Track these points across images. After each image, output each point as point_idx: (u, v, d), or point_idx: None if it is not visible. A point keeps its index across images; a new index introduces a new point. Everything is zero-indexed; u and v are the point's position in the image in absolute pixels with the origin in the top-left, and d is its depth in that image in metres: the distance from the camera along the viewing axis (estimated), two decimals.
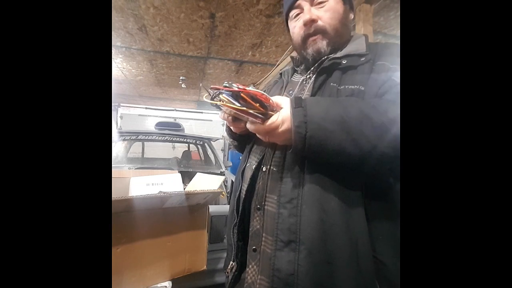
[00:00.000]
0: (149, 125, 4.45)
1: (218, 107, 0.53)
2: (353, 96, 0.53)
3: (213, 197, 0.98)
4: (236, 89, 0.46)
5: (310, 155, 0.50)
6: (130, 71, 3.83)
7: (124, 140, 2.72)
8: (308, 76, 0.63)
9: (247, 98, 0.46)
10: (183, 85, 4.21)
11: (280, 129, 0.49)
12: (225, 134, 4.57)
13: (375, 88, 0.52)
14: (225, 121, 0.65)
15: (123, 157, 2.70)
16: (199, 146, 3.15)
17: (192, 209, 0.95)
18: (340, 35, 0.61)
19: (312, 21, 0.60)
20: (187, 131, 3.35)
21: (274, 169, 0.57)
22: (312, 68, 0.63)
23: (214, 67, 3.52)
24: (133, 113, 4.76)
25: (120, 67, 3.66)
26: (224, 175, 2.35)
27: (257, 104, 0.47)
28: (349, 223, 0.48)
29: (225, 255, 0.73)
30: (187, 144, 3.24)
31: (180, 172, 1.47)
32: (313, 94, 0.57)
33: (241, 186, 0.64)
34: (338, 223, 0.48)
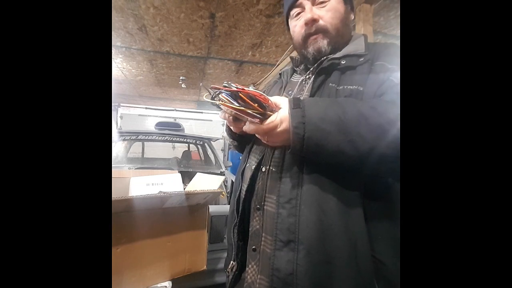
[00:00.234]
0: (149, 125, 4.46)
1: (218, 106, 0.54)
2: (351, 96, 0.53)
3: (213, 197, 0.98)
4: (235, 89, 0.46)
5: (309, 156, 0.50)
6: (130, 71, 3.83)
7: (124, 140, 2.72)
8: (307, 77, 0.64)
9: (245, 98, 0.46)
10: (183, 85, 4.21)
11: (279, 129, 0.49)
12: (225, 134, 4.57)
13: (374, 89, 0.52)
14: (225, 121, 0.65)
15: (123, 157, 2.70)
16: (199, 146, 3.15)
17: (192, 209, 0.95)
18: (341, 35, 0.62)
19: (314, 20, 0.60)
20: (187, 131, 3.35)
21: (273, 169, 0.57)
22: (311, 69, 0.63)
23: (214, 67, 3.52)
24: (133, 113, 4.76)
25: (120, 67, 3.66)
26: (224, 175, 2.35)
27: (256, 104, 0.47)
28: (347, 223, 0.49)
29: (225, 255, 0.74)
30: (187, 144, 3.24)
31: (180, 172, 1.48)
32: (312, 94, 0.57)
33: (241, 186, 0.65)
34: (336, 223, 0.48)
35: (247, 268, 0.59)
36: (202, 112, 5.10)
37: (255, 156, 0.63)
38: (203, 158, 3.09)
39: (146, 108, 4.99)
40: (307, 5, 0.61)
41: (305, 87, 0.62)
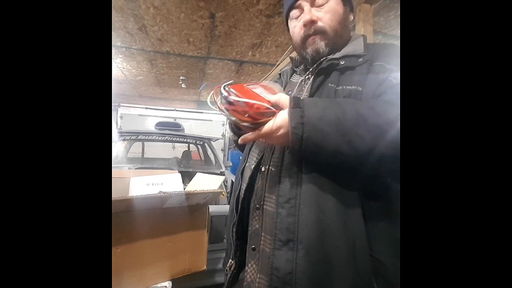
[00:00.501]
0: (149, 125, 4.45)
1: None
2: (350, 96, 0.53)
3: (213, 197, 0.98)
4: (231, 100, 0.48)
5: (307, 156, 0.50)
6: (130, 71, 3.83)
7: (124, 140, 2.72)
8: (306, 77, 0.64)
9: (237, 116, 0.48)
10: (183, 85, 4.22)
11: (277, 134, 0.49)
12: (225, 133, 4.57)
13: (373, 89, 0.53)
14: (226, 120, 0.65)
15: (123, 157, 2.70)
16: (199, 146, 3.15)
17: (192, 209, 0.95)
18: (339, 36, 0.62)
19: (312, 22, 0.60)
20: (187, 131, 3.36)
21: (272, 169, 0.57)
22: (310, 69, 0.63)
23: (214, 67, 3.53)
24: (133, 113, 4.75)
25: (120, 67, 3.67)
26: (224, 175, 2.35)
27: (246, 116, 0.48)
28: (346, 222, 0.49)
29: (225, 255, 0.74)
30: (187, 144, 3.24)
31: (180, 172, 1.48)
32: (311, 94, 0.58)
33: (241, 186, 0.65)
34: (335, 223, 0.49)
35: (246, 267, 0.59)
36: (202, 112, 5.09)
37: (254, 156, 0.63)
38: (203, 158, 3.09)
39: (146, 108, 4.98)
40: (306, 6, 0.61)
41: (304, 87, 0.62)
